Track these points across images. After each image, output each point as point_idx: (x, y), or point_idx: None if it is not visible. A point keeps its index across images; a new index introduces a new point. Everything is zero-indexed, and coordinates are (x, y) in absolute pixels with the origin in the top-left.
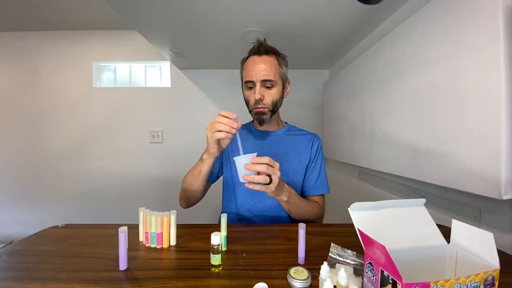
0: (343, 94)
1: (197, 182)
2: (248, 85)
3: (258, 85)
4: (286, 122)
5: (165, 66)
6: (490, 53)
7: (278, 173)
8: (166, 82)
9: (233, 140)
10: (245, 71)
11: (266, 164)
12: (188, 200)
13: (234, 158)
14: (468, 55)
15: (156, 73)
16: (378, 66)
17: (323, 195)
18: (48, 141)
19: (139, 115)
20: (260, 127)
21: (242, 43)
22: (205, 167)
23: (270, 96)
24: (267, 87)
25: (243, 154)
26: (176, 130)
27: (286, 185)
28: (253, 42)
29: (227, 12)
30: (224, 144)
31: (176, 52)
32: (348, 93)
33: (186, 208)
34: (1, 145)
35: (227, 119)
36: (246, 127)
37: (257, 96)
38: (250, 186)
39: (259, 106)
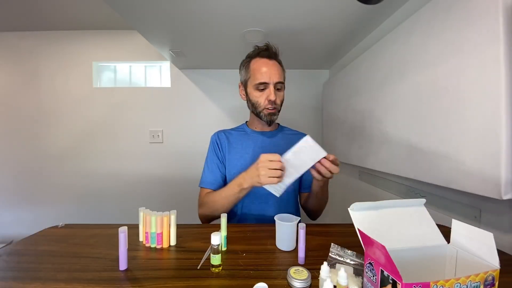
0: (343, 94)
1: (231, 206)
2: (260, 87)
3: (272, 87)
4: (277, 123)
5: (165, 66)
6: (490, 53)
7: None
8: (166, 82)
9: (233, 140)
10: (256, 72)
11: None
12: (213, 218)
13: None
14: (468, 55)
15: (156, 73)
16: (378, 66)
17: None
18: (48, 141)
19: (139, 115)
20: (256, 128)
21: (242, 43)
22: (243, 194)
23: (280, 97)
24: (278, 89)
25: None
26: (176, 130)
27: None
28: (256, 45)
29: (227, 12)
30: None
31: (176, 52)
32: (348, 93)
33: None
34: (1, 145)
35: (277, 170)
36: (240, 129)
37: (273, 97)
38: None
39: (271, 108)
